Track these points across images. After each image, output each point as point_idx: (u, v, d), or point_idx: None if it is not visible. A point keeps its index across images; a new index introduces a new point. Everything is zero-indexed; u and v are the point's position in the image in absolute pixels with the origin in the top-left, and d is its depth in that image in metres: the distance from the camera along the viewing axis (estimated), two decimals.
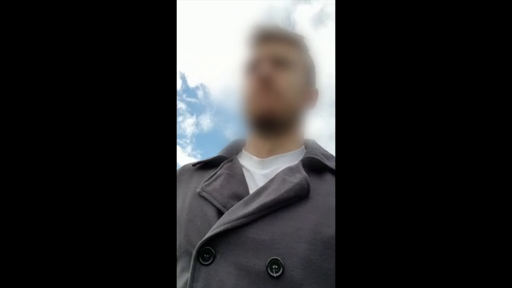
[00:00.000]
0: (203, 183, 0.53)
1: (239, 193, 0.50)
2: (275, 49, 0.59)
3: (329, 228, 0.44)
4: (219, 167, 0.56)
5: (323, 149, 0.59)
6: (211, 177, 0.54)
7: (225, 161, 0.58)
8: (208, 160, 0.60)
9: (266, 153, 0.58)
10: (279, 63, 0.57)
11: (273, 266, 0.41)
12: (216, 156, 0.60)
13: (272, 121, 0.55)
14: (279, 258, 0.41)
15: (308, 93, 0.62)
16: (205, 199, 0.50)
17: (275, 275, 0.40)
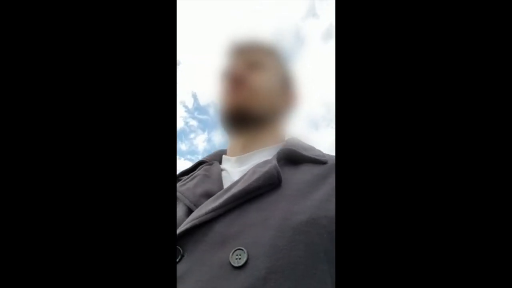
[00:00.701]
0: (179, 183, 0.52)
1: (212, 191, 0.48)
2: (248, 56, 0.60)
3: (300, 215, 0.40)
4: (197, 169, 0.55)
5: (304, 143, 0.57)
6: (187, 178, 0.53)
7: (204, 164, 0.57)
8: (189, 168, 0.59)
9: (241, 150, 0.56)
10: (252, 65, 0.58)
11: (236, 257, 0.37)
12: (196, 163, 0.59)
13: (243, 116, 0.55)
14: (243, 248, 0.38)
15: (284, 93, 0.61)
16: (178, 199, 0.49)
17: (237, 265, 0.36)
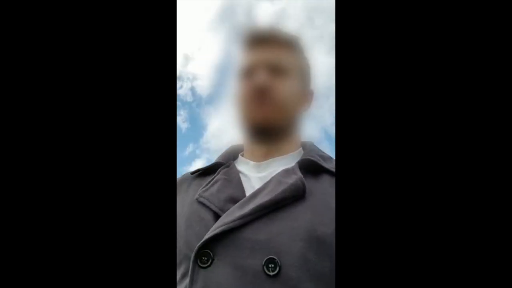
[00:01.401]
0: (201, 189, 0.54)
1: (236, 197, 0.51)
2: (270, 55, 0.58)
3: (325, 227, 0.44)
4: (216, 173, 0.57)
5: (320, 150, 0.60)
6: (209, 183, 0.55)
7: (222, 167, 0.58)
8: (206, 167, 0.61)
9: (262, 157, 0.58)
10: (275, 70, 0.57)
11: (270, 265, 0.41)
12: (213, 163, 0.61)
13: (268, 131, 0.56)
14: (275, 257, 0.41)
15: (304, 96, 0.62)
16: (203, 204, 0.51)
17: (271, 273, 0.40)
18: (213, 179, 0.55)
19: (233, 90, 0.62)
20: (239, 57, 0.62)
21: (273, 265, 0.41)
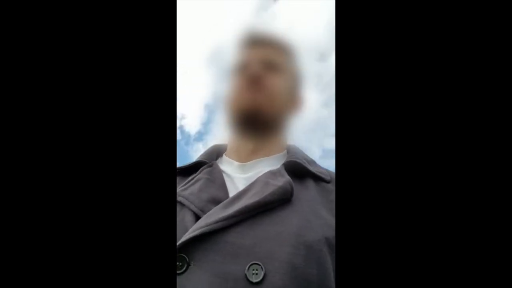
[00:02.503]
0: (180, 187, 0.49)
1: (219, 198, 0.47)
2: (264, 53, 0.58)
3: (313, 233, 0.41)
4: (198, 172, 0.53)
5: (305, 154, 0.57)
6: (189, 181, 0.51)
7: (204, 166, 0.54)
8: (187, 165, 0.57)
9: (247, 156, 0.55)
10: (269, 66, 0.56)
11: (253, 272, 0.37)
12: (195, 161, 0.57)
13: (257, 118, 0.53)
14: (259, 263, 0.37)
15: (294, 99, 0.60)
16: (182, 204, 0.46)
17: (255, 281, 0.36)
18: (193, 177, 0.51)
19: (227, 87, 0.60)
20: (234, 55, 0.61)
21: (256, 272, 0.36)
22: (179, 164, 0.58)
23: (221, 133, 0.62)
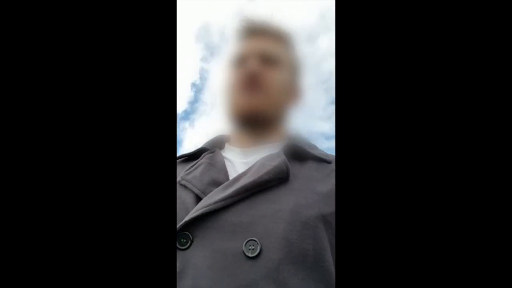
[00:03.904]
0: (184, 172, 0.52)
1: (219, 180, 0.49)
2: (263, 45, 0.58)
3: (309, 210, 0.43)
4: (200, 157, 0.56)
5: (307, 140, 0.59)
6: (192, 166, 0.54)
7: (207, 152, 0.57)
8: (191, 153, 0.60)
9: (248, 143, 0.57)
10: (267, 60, 0.57)
11: (250, 247, 0.40)
12: (198, 149, 0.60)
13: (257, 119, 0.55)
14: (256, 239, 0.40)
15: (293, 90, 0.62)
16: (185, 187, 0.50)
17: (251, 255, 0.39)
18: (196, 163, 0.54)
19: (224, 78, 0.62)
20: (231, 46, 0.62)
21: (253, 247, 0.39)
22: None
23: (208, 113, 0.63)
